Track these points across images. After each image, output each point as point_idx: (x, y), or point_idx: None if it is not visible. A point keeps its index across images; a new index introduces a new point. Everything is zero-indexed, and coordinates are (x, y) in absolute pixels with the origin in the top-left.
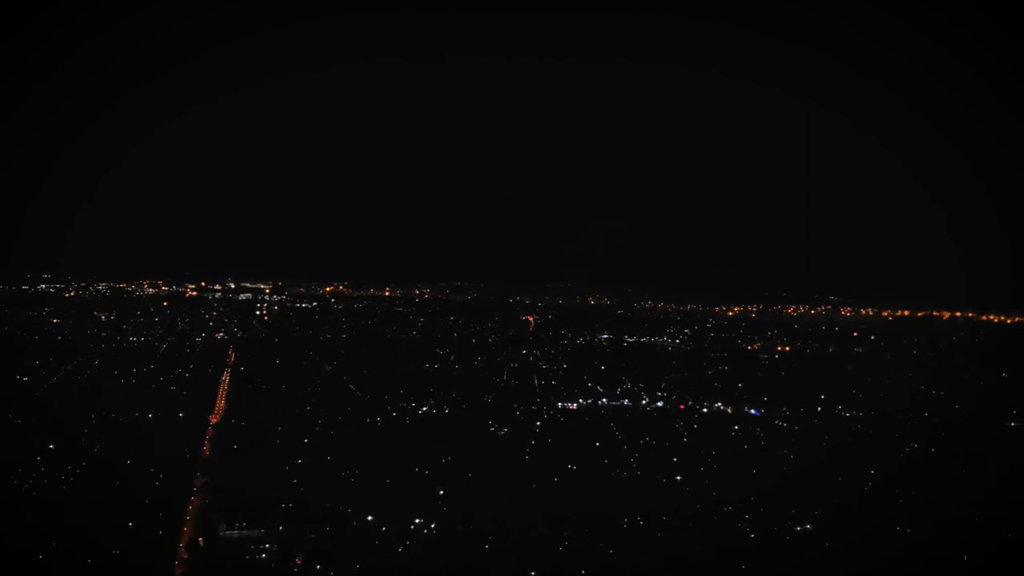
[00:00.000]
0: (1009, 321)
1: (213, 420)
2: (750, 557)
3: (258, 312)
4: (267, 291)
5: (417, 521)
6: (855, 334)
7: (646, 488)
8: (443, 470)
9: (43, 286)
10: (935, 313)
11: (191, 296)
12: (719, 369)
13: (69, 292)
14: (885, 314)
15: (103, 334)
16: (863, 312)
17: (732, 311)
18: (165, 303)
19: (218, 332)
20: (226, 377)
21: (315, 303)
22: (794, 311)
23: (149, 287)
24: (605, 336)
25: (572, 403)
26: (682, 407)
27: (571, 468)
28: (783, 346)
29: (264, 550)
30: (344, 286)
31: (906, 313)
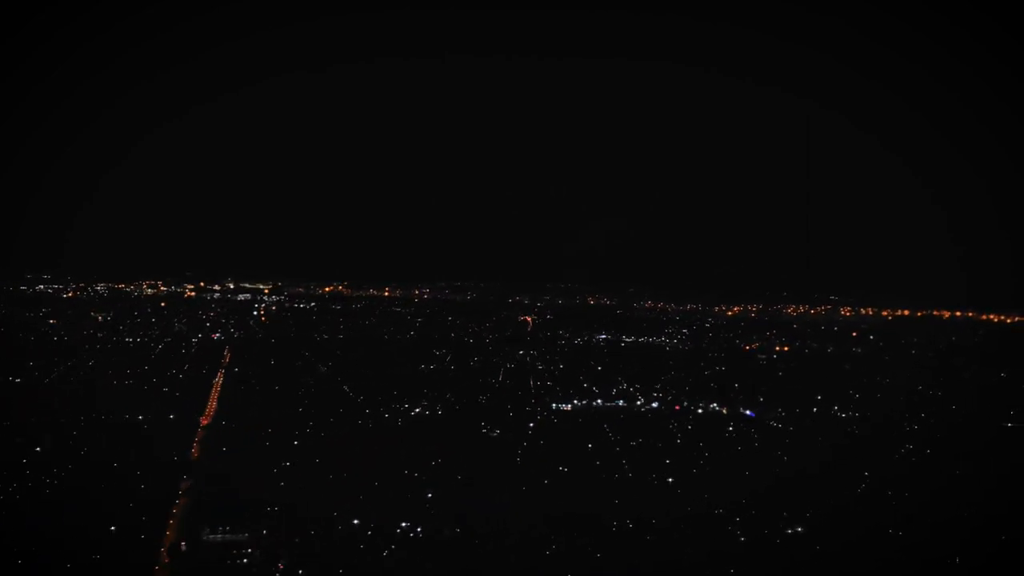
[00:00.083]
0: (1009, 321)
1: (204, 422)
2: (740, 560)
3: (255, 313)
4: (266, 291)
5: (403, 524)
6: (854, 334)
7: (637, 490)
8: (432, 472)
9: (41, 287)
10: (935, 313)
11: (189, 297)
12: (716, 370)
13: (67, 293)
14: (885, 314)
15: (99, 335)
16: (863, 312)
17: (732, 311)
18: (163, 304)
19: (215, 333)
20: (220, 378)
21: (313, 303)
22: (794, 311)
23: (148, 288)
24: (603, 336)
25: (567, 404)
26: (677, 408)
27: (562, 470)
28: (781, 346)
29: (247, 554)
30: (343, 286)
31: (906, 313)
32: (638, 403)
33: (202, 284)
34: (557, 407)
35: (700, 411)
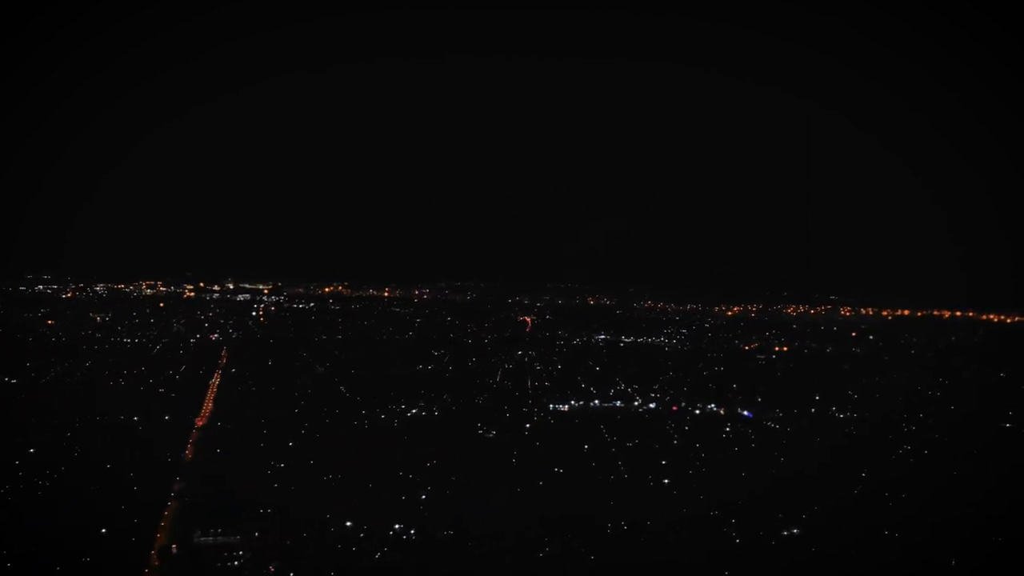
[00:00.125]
0: (1009, 321)
1: (199, 423)
2: (735, 561)
3: (254, 313)
4: (265, 292)
5: (397, 526)
6: (853, 334)
7: (633, 491)
8: (427, 474)
9: (40, 287)
10: (935, 313)
11: (189, 297)
12: (714, 370)
13: (66, 293)
14: (885, 314)
15: (97, 335)
16: (863, 312)
17: (732, 311)
18: (161, 304)
19: (213, 333)
20: (216, 379)
21: (312, 304)
22: (794, 311)
23: (147, 288)
24: (602, 336)
25: (564, 405)
26: (675, 408)
27: (557, 471)
28: (780, 346)
29: (238, 557)
30: (343, 286)
31: (906, 313)
32: (635, 404)
33: (201, 284)
34: (554, 408)
35: (698, 412)
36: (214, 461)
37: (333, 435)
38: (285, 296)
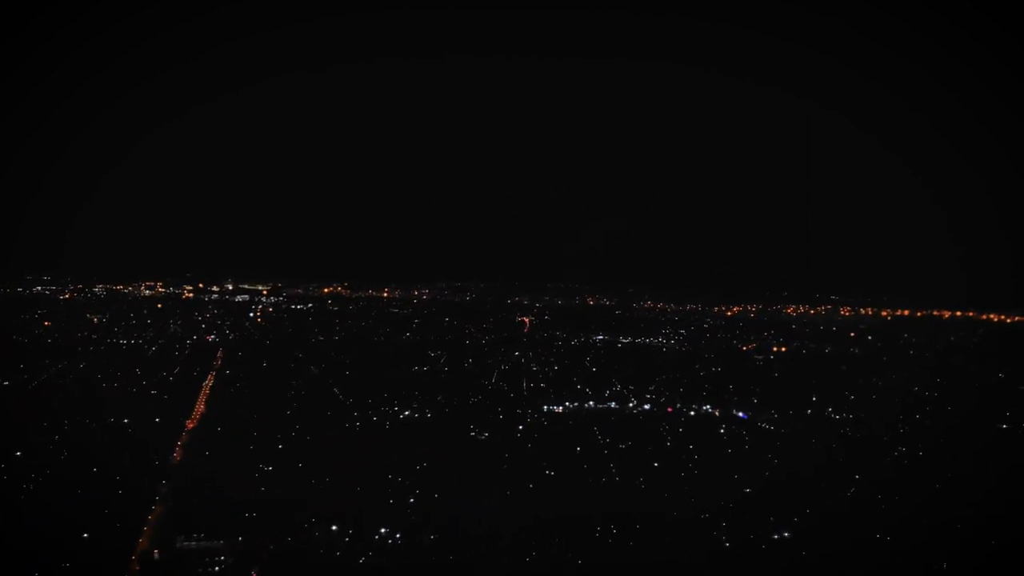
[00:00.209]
0: (1009, 321)
1: (189, 425)
2: (724, 565)
3: (251, 314)
4: (264, 292)
5: (383, 530)
6: (852, 335)
7: (623, 493)
8: (416, 476)
9: (39, 288)
10: (935, 313)
11: (187, 298)
12: (712, 371)
13: (64, 294)
14: (884, 314)
15: (93, 337)
16: (863, 312)
17: (731, 311)
18: (159, 305)
19: (209, 334)
20: (210, 380)
21: (310, 304)
22: (794, 311)
23: (145, 289)
24: (600, 337)
25: (558, 406)
26: (670, 410)
27: (549, 473)
28: (779, 347)
29: (220, 562)
30: (343, 287)
31: (906, 313)
32: (630, 405)
33: (200, 285)
34: (548, 409)
35: (692, 413)
36: (202, 464)
37: (324, 437)
38: (284, 297)
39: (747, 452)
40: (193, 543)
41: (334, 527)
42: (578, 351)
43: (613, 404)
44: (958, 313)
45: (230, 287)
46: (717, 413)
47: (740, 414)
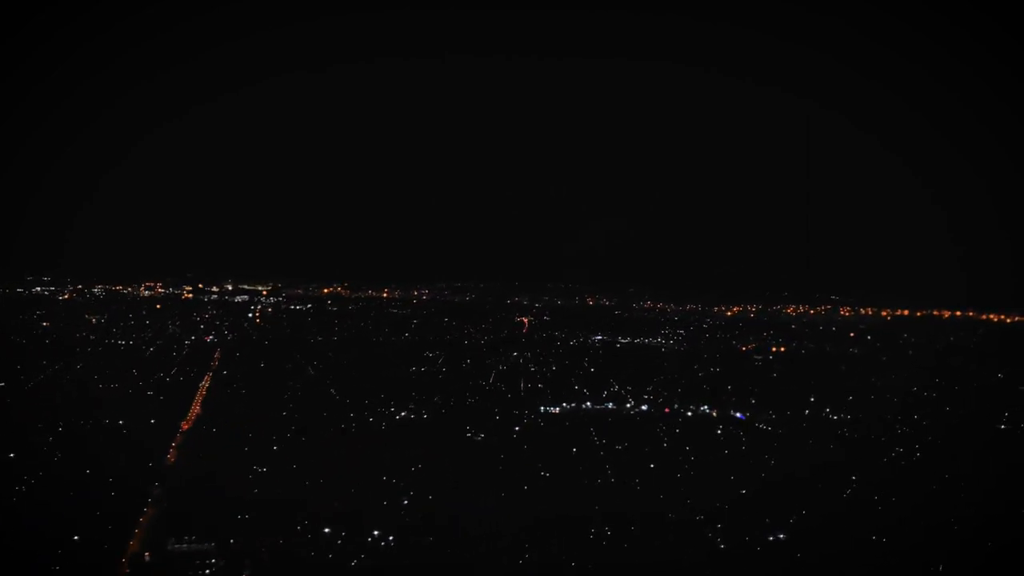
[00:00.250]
0: (1009, 321)
1: (184, 426)
2: (718, 567)
3: (250, 315)
4: (264, 293)
5: (375, 532)
6: (852, 335)
7: (618, 495)
8: (410, 478)
9: (38, 288)
10: (935, 313)
11: (187, 298)
12: (710, 371)
13: (64, 295)
14: (884, 314)
15: (91, 337)
16: (863, 312)
17: (731, 311)
18: (158, 306)
19: (208, 335)
20: (206, 381)
21: (309, 304)
22: (793, 311)
23: (145, 290)
24: (599, 337)
25: (555, 407)
26: (667, 410)
27: (544, 475)
28: (778, 347)
29: (211, 565)
30: (343, 287)
31: (905, 313)
32: (627, 406)
33: (200, 286)
34: (545, 410)
35: (690, 414)
36: (196, 466)
37: (318, 439)
38: (283, 297)
39: (744, 453)
40: (184, 545)
41: (327, 529)
42: (576, 351)
43: (610, 405)
44: (958, 313)
45: (229, 287)
46: (714, 414)
47: (738, 415)
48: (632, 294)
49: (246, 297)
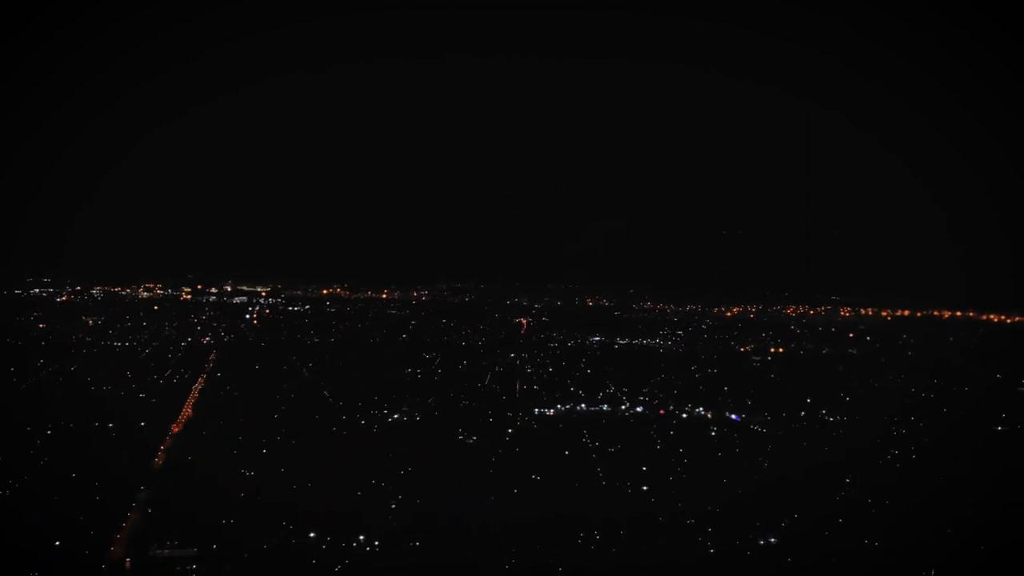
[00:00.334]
0: (1009, 321)
1: (175, 429)
2: (706, 572)
3: (248, 316)
4: (263, 294)
5: (361, 537)
6: (851, 335)
7: (609, 498)
8: (399, 482)
9: (37, 290)
10: (935, 313)
11: (185, 300)
12: (708, 372)
13: (62, 296)
14: (884, 314)
15: (87, 339)
16: (863, 312)
17: (731, 312)
18: (156, 307)
19: (204, 336)
20: (200, 383)
21: (307, 306)
22: (793, 311)
23: (144, 291)
24: (597, 338)
25: (549, 409)
26: (662, 412)
27: (534, 478)
28: (776, 348)
29: (192, 571)
30: (342, 288)
31: (906, 313)
32: (623, 407)
33: (199, 287)
34: (539, 412)
35: (685, 415)
36: (183, 469)
37: (308, 442)
38: (282, 298)
39: (737, 455)
40: (166, 551)
41: (312, 533)
42: (574, 353)
43: (605, 407)
44: (958, 313)
45: (229, 289)
46: (709, 415)
47: (733, 416)
48: (632, 295)
49: (245, 298)
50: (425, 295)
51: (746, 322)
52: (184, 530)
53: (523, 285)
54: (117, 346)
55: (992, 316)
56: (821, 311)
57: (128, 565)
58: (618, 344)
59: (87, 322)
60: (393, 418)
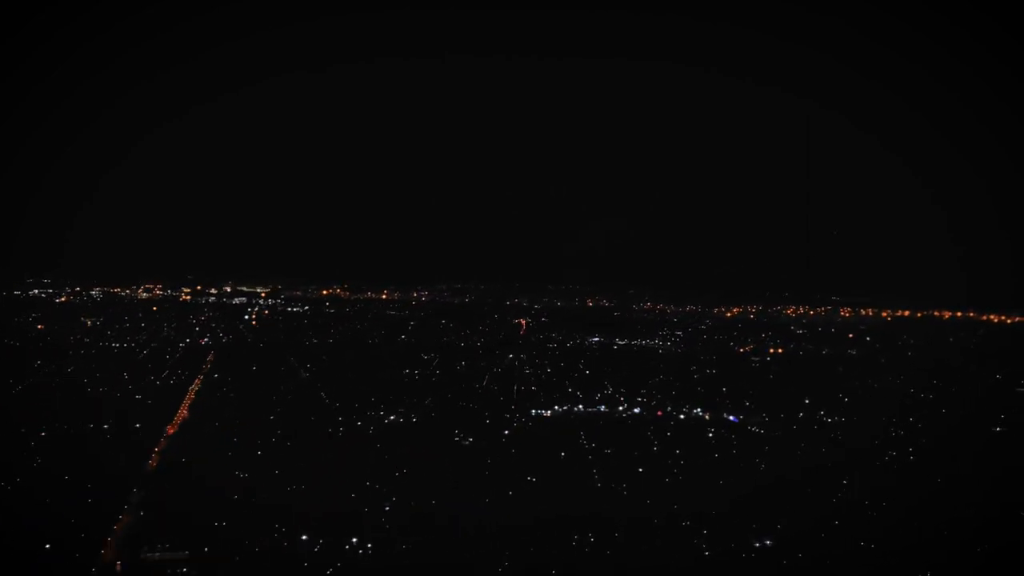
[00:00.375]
0: (1009, 321)
1: (170, 431)
2: (703, 574)
3: (246, 317)
4: (262, 295)
5: (354, 540)
6: (850, 336)
7: (604, 500)
8: (394, 483)
9: (36, 291)
10: (935, 313)
11: (185, 300)
12: (706, 373)
13: (61, 297)
14: (885, 315)
15: (85, 340)
16: (863, 312)
17: (731, 312)
18: (154, 308)
19: (203, 337)
20: (196, 385)
21: (307, 307)
22: (793, 312)
23: (143, 292)
24: (595, 339)
25: (546, 410)
26: (659, 413)
27: (530, 479)
28: (776, 348)
29: (183, 574)
30: (342, 289)
31: (906, 314)
32: (620, 408)
33: (199, 288)
34: (536, 413)
35: (682, 417)
36: (177, 471)
37: (303, 444)
38: (282, 299)
39: (735, 456)
40: (157, 554)
41: (304, 536)
42: (572, 353)
43: (602, 408)
44: (958, 314)
45: (228, 289)
46: (707, 417)
47: (731, 417)
48: (632, 295)
49: (244, 299)
50: (425, 295)
51: (746, 322)
52: (177, 532)
53: (523, 285)
54: (115, 347)
55: (992, 316)
56: (821, 311)
57: (119, 568)
58: (617, 345)
59: (86, 323)
60: (389, 419)
